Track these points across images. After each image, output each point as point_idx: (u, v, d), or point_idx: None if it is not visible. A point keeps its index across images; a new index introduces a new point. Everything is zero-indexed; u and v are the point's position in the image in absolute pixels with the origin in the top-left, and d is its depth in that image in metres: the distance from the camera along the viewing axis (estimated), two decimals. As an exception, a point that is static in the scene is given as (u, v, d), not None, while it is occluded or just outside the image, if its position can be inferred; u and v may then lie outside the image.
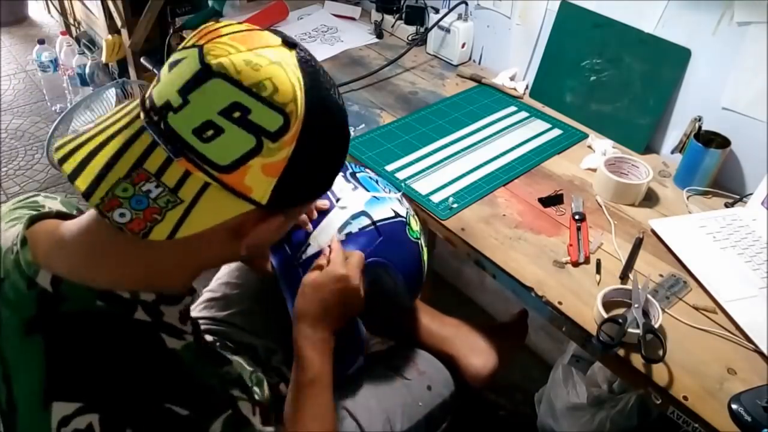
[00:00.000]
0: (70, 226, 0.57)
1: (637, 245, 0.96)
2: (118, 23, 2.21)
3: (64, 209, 0.65)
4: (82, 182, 0.50)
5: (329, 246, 0.84)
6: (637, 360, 0.80)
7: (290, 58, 0.53)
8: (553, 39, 1.36)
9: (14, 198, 0.67)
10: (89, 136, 0.53)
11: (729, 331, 0.85)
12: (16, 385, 0.54)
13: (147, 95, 0.53)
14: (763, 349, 0.82)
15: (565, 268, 0.95)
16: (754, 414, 0.72)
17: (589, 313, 0.88)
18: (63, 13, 2.96)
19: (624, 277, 0.93)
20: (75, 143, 0.52)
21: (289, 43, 0.55)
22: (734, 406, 0.74)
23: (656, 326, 0.82)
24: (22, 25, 3.45)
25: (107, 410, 0.50)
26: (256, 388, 0.76)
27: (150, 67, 1.95)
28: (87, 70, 2.53)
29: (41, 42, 2.58)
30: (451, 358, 1.05)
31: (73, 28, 2.90)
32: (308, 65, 0.54)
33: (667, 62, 1.18)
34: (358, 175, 0.94)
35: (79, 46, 2.60)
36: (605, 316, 0.83)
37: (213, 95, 0.50)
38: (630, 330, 0.80)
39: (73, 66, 2.55)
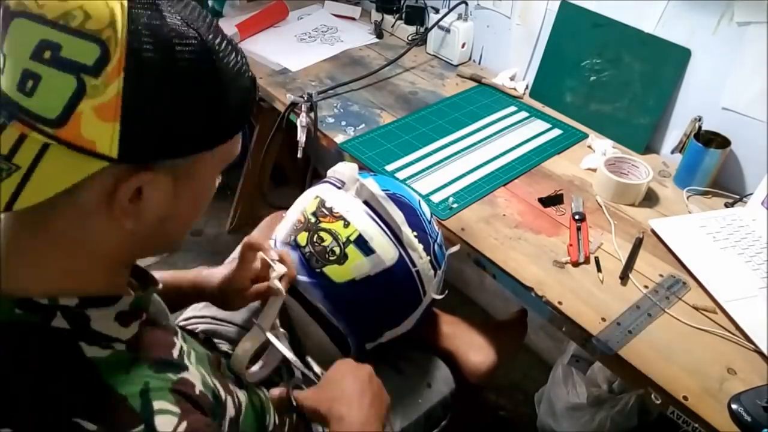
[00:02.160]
0: None
1: (637, 245, 0.96)
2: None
3: None
4: None
5: None
6: (640, 361, 0.80)
7: None
8: (553, 39, 1.36)
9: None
10: None
11: (729, 331, 0.85)
12: None
13: None
14: (763, 349, 0.81)
15: (565, 268, 0.95)
16: (753, 414, 0.72)
17: (589, 313, 0.88)
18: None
19: (624, 277, 0.93)
20: None
21: None
22: (734, 406, 0.74)
23: None
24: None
25: (17, 425, 0.48)
26: (226, 396, 0.67)
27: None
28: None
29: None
30: (450, 355, 1.05)
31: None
32: None
33: (667, 62, 1.18)
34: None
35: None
36: None
37: (19, 38, 0.45)
38: None
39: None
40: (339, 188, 0.92)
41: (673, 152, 1.19)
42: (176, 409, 0.51)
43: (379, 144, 1.23)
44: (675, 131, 1.21)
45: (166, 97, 0.47)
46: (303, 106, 1.29)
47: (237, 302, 0.84)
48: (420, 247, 0.89)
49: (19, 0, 0.45)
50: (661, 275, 0.94)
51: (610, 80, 1.28)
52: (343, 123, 1.29)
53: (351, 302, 0.87)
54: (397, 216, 0.88)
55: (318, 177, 1.55)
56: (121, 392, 0.50)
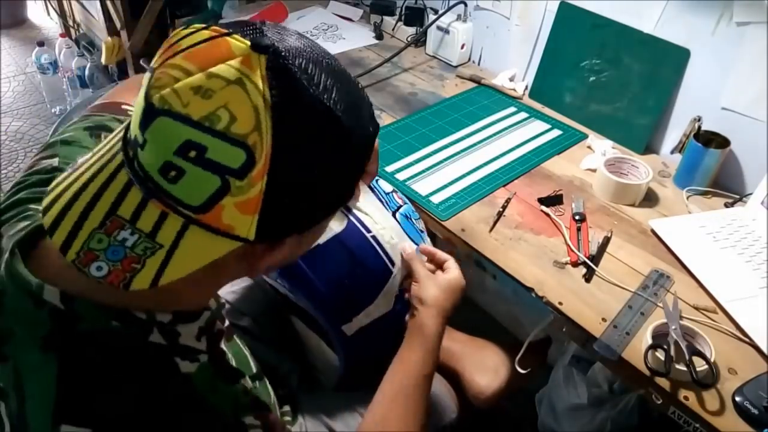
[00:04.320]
0: None
1: (605, 243, 0.95)
2: (118, 25, 2.22)
3: None
4: (59, 236, 0.46)
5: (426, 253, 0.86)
6: (640, 361, 0.80)
7: (257, 70, 0.44)
8: (552, 39, 1.36)
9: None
10: (73, 178, 0.49)
11: (729, 331, 0.85)
12: (30, 401, 0.50)
13: (127, 124, 0.48)
14: (764, 348, 0.82)
15: (566, 269, 0.95)
16: (759, 406, 0.73)
17: (589, 313, 0.88)
18: (62, 15, 2.96)
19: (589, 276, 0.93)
20: (59, 189, 0.48)
21: (261, 46, 0.45)
22: (738, 399, 0.74)
23: (700, 346, 0.80)
24: (21, 28, 3.45)
25: None
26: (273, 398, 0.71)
27: (149, 68, 1.96)
28: (86, 72, 2.53)
29: (41, 44, 2.58)
30: (456, 374, 1.01)
31: (72, 30, 2.90)
32: (282, 71, 0.45)
33: (666, 62, 1.18)
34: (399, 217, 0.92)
35: (79, 48, 2.61)
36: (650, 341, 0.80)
37: (163, 135, 0.44)
38: (675, 355, 0.78)
39: (72, 68, 2.55)
40: None
41: (672, 152, 1.19)
42: (258, 422, 0.56)
43: (379, 145, 1.22)
44: (674, 131, 1.21)
45: (305, 185, 0.48)
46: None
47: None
48: (374, 212, 0.87)
49: (163, 97, 0.44)
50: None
51: (610, 81, 1.28)
52: (343, 124, 1.29)
53: (306, 275, 0.84)
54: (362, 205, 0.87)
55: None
56: (220, 407, 0.53)
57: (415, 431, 0.73)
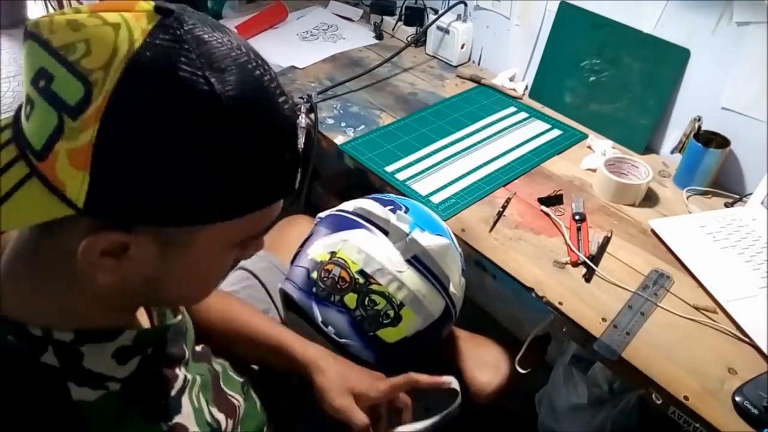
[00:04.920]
0: None
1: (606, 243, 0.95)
2: (118, 25, 2.21)
3: None
4: None
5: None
6: (640, 361, 0.80)
7: (143, 22, 0.41)
8: (552, 39, 1.36)
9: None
10: None
11: (729, 331, 0.85)
12: None
13: None
14: (764, 348, 0.81)
15: (566, 269, 0.95)
16: (759, 406, 0.73)
17: (589, 313, 0.88)
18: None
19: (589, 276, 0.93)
20: None
21: (165, 10, 0.42)
22: (738, 399, 0.74)
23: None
24: (21, 28, 3.45)
25: None
26: None
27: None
28: (86, 72, 2.53)
29: (40, 44, 2.58)
30: (456, 371, 1.01)
31: (72, 30, 2.90)
32: (169, 33, 0.41)
33: (666, 62, 1.18)
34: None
35: (79, 48, 2.61)
36: None
37: (27, 60, 0.43)
38: None
39: (72, 68, 2.55)
40: (373, 231, 0.85)
41: (672, 152, 1.19)
42: None
43: (379, 145, 1.23)
44: (675, 131, 1.21)
45: (150, 158, 0.41)
46: (302, 107, 1.29)
47: (335, 401, 0.73)
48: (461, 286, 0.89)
49: (37, 22, 0.43)
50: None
51: (610, 80, 1.28)
52: (343, 124, 1.29)
53: (402, 357, 0.84)
54: (449, 270, 0.87)
55: (317, 178, 1.54)
56: None
57: None
